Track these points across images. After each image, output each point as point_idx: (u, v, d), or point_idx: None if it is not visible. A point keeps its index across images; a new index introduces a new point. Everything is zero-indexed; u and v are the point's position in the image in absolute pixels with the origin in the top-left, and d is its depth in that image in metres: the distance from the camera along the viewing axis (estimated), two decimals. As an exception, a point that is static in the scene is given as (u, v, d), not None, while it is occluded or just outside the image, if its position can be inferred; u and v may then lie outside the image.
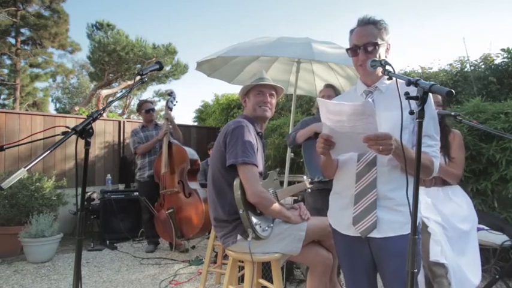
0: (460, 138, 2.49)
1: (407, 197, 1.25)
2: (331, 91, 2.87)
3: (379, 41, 1.45)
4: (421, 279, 2.17)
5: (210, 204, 2.07)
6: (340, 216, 1.54)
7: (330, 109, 1.33)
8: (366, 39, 1.45)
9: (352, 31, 1.53)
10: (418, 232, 1.42)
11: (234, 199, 1.88)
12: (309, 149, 2.81)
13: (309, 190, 2.43)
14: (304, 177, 2.56)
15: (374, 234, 1.40)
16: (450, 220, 2.23)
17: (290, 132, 3.05)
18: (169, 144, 4.11)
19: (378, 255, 1.43)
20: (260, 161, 2.01)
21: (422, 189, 2.43)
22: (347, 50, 1.53)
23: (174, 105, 4.25)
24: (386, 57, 1.49)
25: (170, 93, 4.26)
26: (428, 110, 1.37)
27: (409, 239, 1.13)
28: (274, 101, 2.15)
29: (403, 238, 1.33)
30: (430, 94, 1.38)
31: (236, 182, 1.88)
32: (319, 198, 2.69)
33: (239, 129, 1.92)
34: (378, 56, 1.44)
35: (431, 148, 1.42)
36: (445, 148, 2.40)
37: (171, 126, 4.22)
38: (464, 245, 2.22)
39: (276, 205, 1.94)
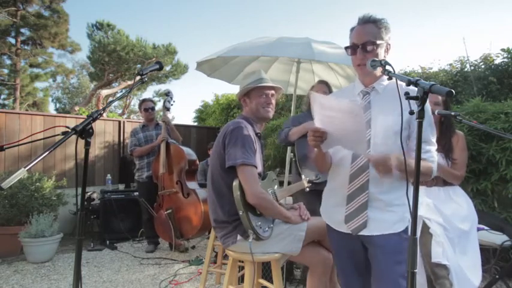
0: (463, 140, 2.48)
1: (408, 197, 1.25)
2: (325, 87, 2.84)
3: (378, 41, 1.44)
4: (422, 280, 2.17)
5: (209, 205, 2.07)
6: (333, 213, 1.59)
7: (322, 103, 1.36)
8: (365, 38, 1.44)
9: (352, 29, 1.52)
10: (405, 232, 1.45)
11: (233, 200, 1.87)
12: (302, 147, 2.80)
13: (307, 189, 2.43)
14: (303, 176, 2.55)
15: (364, 232, 1.45)
16: (451, 220, 2.23)
17: (281, 129, 3.00)
18: (167, 145, 4.11)
19: (369, 252, 1.48)
20: (259, 161, 2.00)
21: (423, 189, 2.43)
22: (346, 48, 1.53)
23: (172, 105, 4.23)
24: (385, 57, 1.49)
25: (167, 93, 4.24)
26: (426, 111, 1.38)
27: (408, 239, 1.12)
28: (274, 100, 2.16)
29: (393, 236, 1.40)
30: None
31: (235, 183, 1.88)
32: (311, 200, 2.67)
33: (238, 130, 1.92)
34: (376, 55, 1.44)
35: (428, 153, 1.45)
36: (448, 150, 2.38)
37: (169, 127, 4.21)
38: (464, 245, 2.22)
39: (275, 206, 1.94)
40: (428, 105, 1.43)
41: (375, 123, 1.45)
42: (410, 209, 1.13)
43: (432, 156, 1.45)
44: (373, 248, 1.46)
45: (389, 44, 1.51)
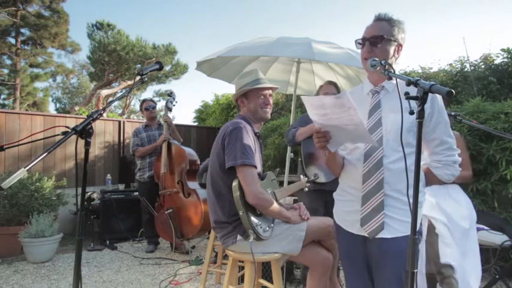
0: (461, 139, 2.50)
1: (408, 197, 1.25)
2: (333, 89, 2.82)
3: (386, 36, 1.44)
4: (421, 280, 2.16)
5: (209, 206, 2.06)
6: (345, 214, 1.53)
7: (313, 104, 1.34)
8: (373, 32, 1.45)
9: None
10: (419, 232, 1.43)
11: (233, 201, 1.87)
12: (308, 148, 2.80)
13: (306, 189, 2.42)
14: (301, 176, 2.55)
15: (382, 235, 1.38)
16: (452, 217, 2.23)
17: (289, 129, 2.96)
18: (169, 145, 4.12)
19: (378, 254, 1.42)
20: (258, 161, 2.00)
21: (426, 189, 2.43)
22: (356, 41, 1.52)
23: (174, 105, 4.25)
24: (395, 56, 1.48)
25: (170, 94, 4.26)
26: (440, 113, 1.40)
27: (409, 239, 1.12)
28: (272, 100, 2.17)
29: (406, 238, 1.32)
30: (440, 98, 1.39)
31: (235, 183, 1.88)
32: (314, 199, 2.68)
33: (237, 131, 1.91)
34: (383, 51, 1.44)
35: (453, 151, 1.46)
36: None
37: (170, 128, 4.22)
38: (465, 245, 2.22)
39: (275, 206, 1.94)
40: (441, 103, 1.41)
41: (386, 121, 1.43)
42: (410, 208, 1.13)
43: (455, 162, 1.47)
44: (386, 250, 1.39)
45: (401, 45, 1.49)
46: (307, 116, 2.96)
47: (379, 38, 1.43)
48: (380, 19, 1.48)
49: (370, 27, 1.49)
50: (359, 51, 1.53)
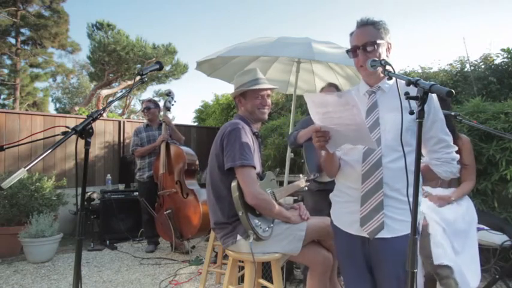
0: (469, 143, 2.48)
1: (408, 197, 1.25)
2: (334, 91, 2.83)
3: (378, 40, 1.45)
4: (420, 280, 2.16)
5: (209, 208, 2.06)
6: (343, 215, 1.53)
7: (315, 101, 1.33)
8: (365, 39, 1.45)
9: (352, 34, 1.53)
10: (418, 232, 1.43)
11: (233, 202, 1.87)
12: (310, 149, 2.80)
13: (306, 188, 2.42)
14: (301, 175, 2.56)
15: (381, 235, 1.38)
16: (449, 218, 2.23)
17: (290, 132, 2.99)
18: (167, 145, 4.12)
19: (378, 254, 1.42)
20: (257, 161, 2.00)
21: (429, 192, 2.42)
22: (347, 51, 1.53)
23: (172, 105, 4.25)
24: (387, 56, 1.49)
25: (168, 93, 4.26)
26: (436, 112, 1.41)
27: (409, 239, 1.12)
28: (270, 100, 2.16)
29: (405, 237, 1.31)
30: (435, 97, 1.39)
31: (234, 184, 1.88)
32: (319, 200, 2.68)
33: (235, 132, 1.91)
34: (378, 55, 1.44)
35: (451, 148, 1.49)
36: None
37: (170, 128, 4.21)
38: (462, 244, 2.21)
39: (275, 206, 1.93)
40: (436, 101, 1.42)
41: (384, 121, 1.43)
42: (410, 207, 1.13)
43: (453, 159, 1.49)
44: (384, 249, 1.39)
45: (390, 43, 1.51)
46: (309, 119, 2.97)
47: (372, 44, 1.44)
48: (364, 24, 1.49)
49: (359, 35, 1.48)
50: None
